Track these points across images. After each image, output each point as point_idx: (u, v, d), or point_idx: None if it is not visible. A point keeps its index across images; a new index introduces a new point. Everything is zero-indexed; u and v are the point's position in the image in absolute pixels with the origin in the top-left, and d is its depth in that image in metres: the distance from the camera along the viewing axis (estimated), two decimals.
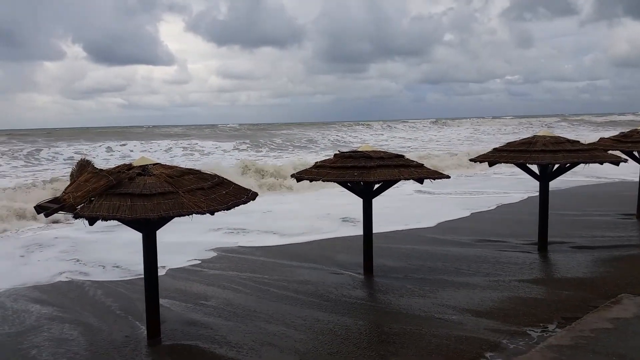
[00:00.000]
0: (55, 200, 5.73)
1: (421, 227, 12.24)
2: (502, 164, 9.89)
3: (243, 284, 8.35)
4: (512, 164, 9.50)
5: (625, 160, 9.57)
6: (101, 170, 5.79)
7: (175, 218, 5.55)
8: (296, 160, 25.89)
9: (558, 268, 8.71)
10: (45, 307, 7.52)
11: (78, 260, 10.07)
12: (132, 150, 41.13)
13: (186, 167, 6.52)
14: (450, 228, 12.15)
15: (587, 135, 40.81)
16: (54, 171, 27.04)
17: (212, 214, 5.65)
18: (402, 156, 8.44)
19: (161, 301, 6.56)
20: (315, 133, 65.17)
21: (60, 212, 5.56)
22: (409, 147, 44.26)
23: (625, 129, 14.45)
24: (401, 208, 14.74)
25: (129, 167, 6.00)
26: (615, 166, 9.31)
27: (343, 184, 8.28)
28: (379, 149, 8.54)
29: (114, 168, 6.03)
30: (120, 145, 44.72)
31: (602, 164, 9.10)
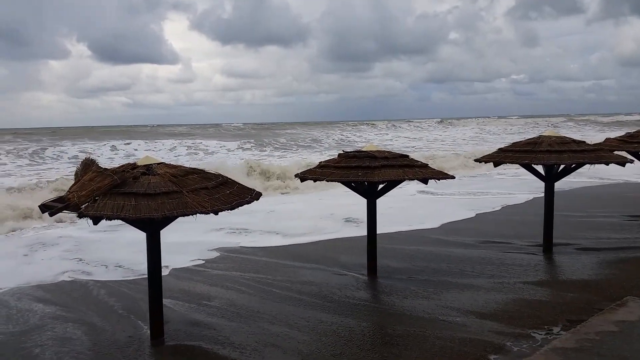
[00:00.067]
0: (59, 199, 5.72)
1: (425, 228, 12.20)
2: (506, 164, 9.84)
3: (246, 284, 8.34)
4: (517, 165, 9.47)
5: (632, 161, 9.50)
6: (105, 169, 5.78)
7: (178, 217, 5.54)
8: (301, 161, 25.89)
9: (563, 270, 8.66)
10: (48, 306, 7.53)
11: (81, 260, 10.09)
12: (136, 150, 41.24)
13: (190, 166, 6.52)
14: (454, 229, 12.10)
15: (593, 136, 40.70)
16: (59, 170, 27.13)
17: (216, 213, 5.64)
18: (407, 156, 8.41)
19: (164, 301, 6.55)
20: (320, 132, 65.17)
21: (64, 211, 5.56)
22: (414, 146, 44.19)
23: (632, 129, 14.39)
24: (404, 209, 14.70)
25: (133, 166, 6.00)
26: (621, 167, 9.24)
27: (347, 184, 8.26)
28: (383, 149, 8.51)
29: (118, 167, 6.03)
30: (125, 144, 44.86)
31: (608, 164, 9.04)
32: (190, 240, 11.23)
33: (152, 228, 5.95)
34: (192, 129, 79.89)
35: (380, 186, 8.29)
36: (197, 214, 5.50)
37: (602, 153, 9.16)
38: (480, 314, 6.69)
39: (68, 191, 5.69)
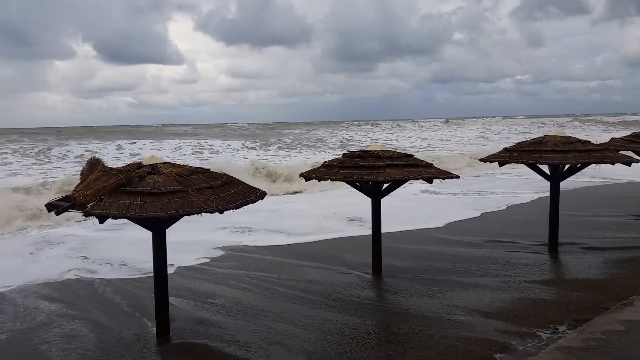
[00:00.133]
0: (65, 198, 5.76)
1: (429, 227, 12.19)
2: (510, 164, 9.82)
3: (251, 282, 8.36)
4: (522, 164, 9.44)
5: (637, 161, 9.47)
6: (111, 168, 5.81)
7: (184, 216, 5.56)
8: (306, 161, 25.86)
9: (569, 269, 8.64)
10: (54, 304, 7.57)
11: (86, 258, 10.15)
12: (141, 149, 41.32)
13: (195, 166, 6.54)
14: (459, 228, 12.09)
15: (599, 136, 40.51)
16: (65, 170, 27.25)
17: (222, 212, 5.66)
18: (411, 155, 8.42)
19: (170, 299, 6.58)
20: (324, 132, 65.19)
21: (70, 210, 5.59)
22: (418, 146, 44.13)
23: (637, 129, 14.34)
24: (409, 208, 14.69)
25: (139, 165, 6.02)
26: (627, 167, 9.22)
27: (352, 183, 8.27)
28: (387, 149, 8.51)
29: (124, 167, 6.06)
30: (130, 143, 44.96)
31: (613, 164, 9.01)
32: (195, 239, 11.27)
33: (158, 227, 5.98)
34: (197, 128, 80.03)
35: (385, 185, 8.30)
36: (203, 213, 5.52)
37: (608, 153, 9.13)
38: (485, 313, 6.68)
39: (74, 190, 5.73)
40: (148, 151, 37.92)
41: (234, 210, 5.82)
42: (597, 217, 12.81)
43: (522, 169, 9.95)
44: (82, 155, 35.16)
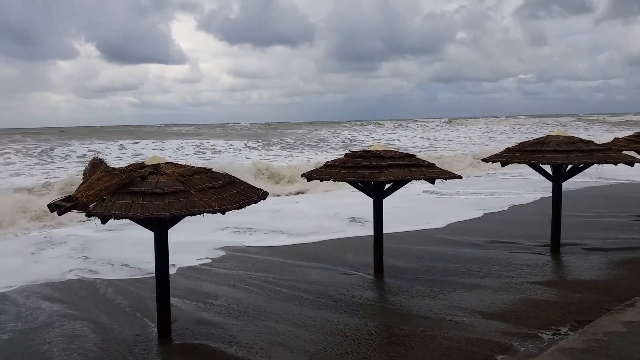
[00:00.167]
0: (68, 198, 5.77)
1: (431, 228, 12.18)
2: (512, 164, 9.80)
3: (252, 283, 8.36)
4: (523, 165, 9.42)
5: None
6: (114, 168, 5.82)
7: (186, 217, 5.56)
8: (308, 161, 25.85)
9: (571, 270, 8.62)
10: (56, 304, 7.58)
11: (88, 258, 10.16)
12: (144, 149, 41.37)
13: (197, 166, 6.54)
14: (461, 229, 12.07)
15: (601, 135, 40.45)
16: (67, 170, 27.30)
17: (224, 213, 5.66)
18: (414, 156, 8.41)
19: (172, 300, 6.58)
20: (327, 132, 65.18)
21: (73, 210, 5.60)
22: (420, 146, 44.10)
23: None
24: (410, 208, 14.68)
25: (141, 165, 6.03)
26: (629, 167, 9.19)
27: (354, 183, 8.26)
28: (390, 149, 8.51)
29: (127, 167, 6.06)
30: (132, 143, 45.01)
31: (616, 164, 8.99)
32: (196, 239, 11.27)
33: (160, 227, 5.98)
34: (200, 128, 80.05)
35: (387, 186, 8.29)
36: (205, 214, 5.52)
37: (610, 153, 9.11)
38: (487, 314, 6.67)
39: (76, 190, 5.74)
40: (150, 151, 37.97)
41: (236, 210, 5.82)
42: (600, 218, 12.78)
43: (525, 169, 9.92)
44: (85, 155, 35.22)
